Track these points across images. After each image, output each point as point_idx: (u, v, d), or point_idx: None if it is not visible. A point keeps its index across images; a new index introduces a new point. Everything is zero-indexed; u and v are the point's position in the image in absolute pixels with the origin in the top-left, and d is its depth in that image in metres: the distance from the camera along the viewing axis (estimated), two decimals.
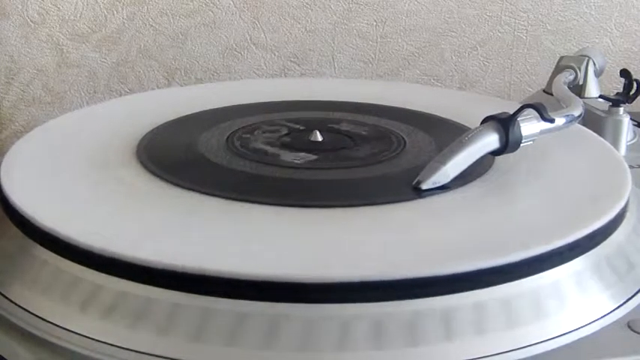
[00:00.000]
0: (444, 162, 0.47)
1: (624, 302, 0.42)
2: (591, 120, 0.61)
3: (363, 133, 0.56)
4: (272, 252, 0.40)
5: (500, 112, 0.49)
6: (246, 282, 0.37)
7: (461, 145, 0.47)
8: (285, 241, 0.41)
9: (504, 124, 0.48)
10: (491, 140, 0.48)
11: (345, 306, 0.37)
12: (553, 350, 0.38)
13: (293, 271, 0.38)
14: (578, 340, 0.39)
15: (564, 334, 0.39)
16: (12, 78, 0.81)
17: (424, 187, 0.46)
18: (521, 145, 0.49)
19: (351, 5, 0.85)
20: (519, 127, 0.48)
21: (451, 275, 0.38)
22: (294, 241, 0.41)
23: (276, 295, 0.37)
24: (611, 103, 0.63)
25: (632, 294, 0.43)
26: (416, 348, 0.37)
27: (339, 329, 0.37)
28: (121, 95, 0.83)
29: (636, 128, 0.66)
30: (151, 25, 0.82)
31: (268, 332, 0.37)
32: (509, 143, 0.48)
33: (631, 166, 0.51)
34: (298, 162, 0.51)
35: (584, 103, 0.57)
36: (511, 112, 0.48)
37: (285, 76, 0.86)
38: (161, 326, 0.37)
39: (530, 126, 0.49)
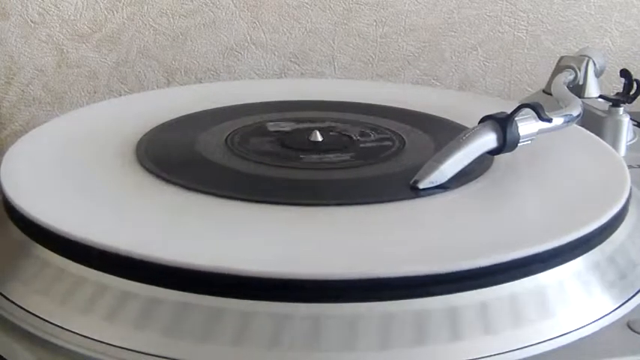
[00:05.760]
0: (441, 161, 0.47)
1: (624, 302, 0.42)
2: (591, 120, 0.61)
3: (363, 132, 0.56)
4: (271, 251, 0.40)
5: (498, 111, 0.49)
6: (245, 280, 0.37)
7: (458, 145, 0.47)
8: (284, 240, 0.41)
9: (502, 123, 0.48)
10: (488, 140, 0.48)
11: (344, 306, 0.37)
12: (553, 350, 0.38)
13: (292, 269, 0.38)
14: (578, 340, 0.39)
15: (564, 334, 0.39)
16: (12, 78, 0.81)
17: (421, 186, 0.46)
18: (519, 144, 0.49)
19: (351, 5, 0.85)
20: (517, 126, 0.48)
21: (448, 274, 0.38)
22: (293, 240, 0.41)
23: (275, 294, 0.37)
24: (611, 103, 0.63)
25: (632, 294, 0.43)
26: (416, 348, 0.37)
27: (344, 328, 0.37)
28: (121, 95, 0.83)
29: (636, 128, 0.66)
30: (151, 25, 0.82)
31: (266, 331, 0.37)
32: (506, 143, 0.48)
33: (631, 166, 0.51)
34: (297, 162, 0.51)
35: (584, 103, 0.57)
36: (509, 112, 0.48)
37: (285, 76, 0.86)
38: (165, 327, 0.37)
39: (527, 125, 0.49)
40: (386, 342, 0.37)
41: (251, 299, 0.37)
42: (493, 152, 0.49)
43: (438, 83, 0.89)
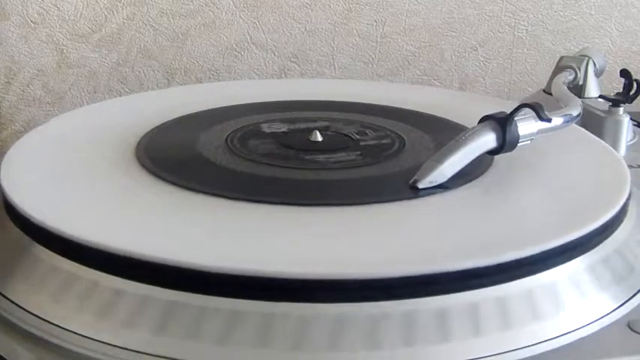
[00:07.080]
0: (440, 161, 0.47)
1: (624, 302, 0.42)
2: (591, 120, 0.61)
3: (363, 132, 0.56)
4: (271, 251, 0.40)
5: (498, 111, 0.49)
6: (244, 280, 0.37)
7: (457, 145, 0.47)
8: (284, 240, 0.41)
9: (501, 123, 0.48)
10: (488, 140, 0.48)
11: (343, 305, 0.37)
12: (553, 350, 0.38)
13: (291, 269, 0.38)
14: (578, 340, 0.39)
15: (564, 334, 0.39)
16: (12, 78, 0.81)
17: (421, 186, 0.46)
18: (519, 144, 0.49)
19: (351, 5, 0.85)
20: (516, 126, 0.48)
21: (448, 274, 0.38)
22: (293, 241, 0.41)
23: (274, 294, 0.37)
24: (611, 103, 0.63)
25: (632, 294, 0.43)
26: (413, 347, 0.37)
27: (365, 328, 0.37)
28: (121, 95, 0.83)
29: (636, 128, 0.67)
30: (151, 25, 0.82)
31: (262, 331, 0.37)
32: (506, 143, 0.48)
33: (631, 166, 0.51)
34: (297, 162, 0.51)
35: (584, 103, 0.57)
36: (509, 112, 0.48)
37: (285, 76, 0.86)
38: (161, 325, 0.37)
39: (527, 125, 0.49)
40: (406, 340, 0.37)
41: (261, 300, 0.37)
42: (493, 152, 0.49)
43: (438, 83, 0.89)
